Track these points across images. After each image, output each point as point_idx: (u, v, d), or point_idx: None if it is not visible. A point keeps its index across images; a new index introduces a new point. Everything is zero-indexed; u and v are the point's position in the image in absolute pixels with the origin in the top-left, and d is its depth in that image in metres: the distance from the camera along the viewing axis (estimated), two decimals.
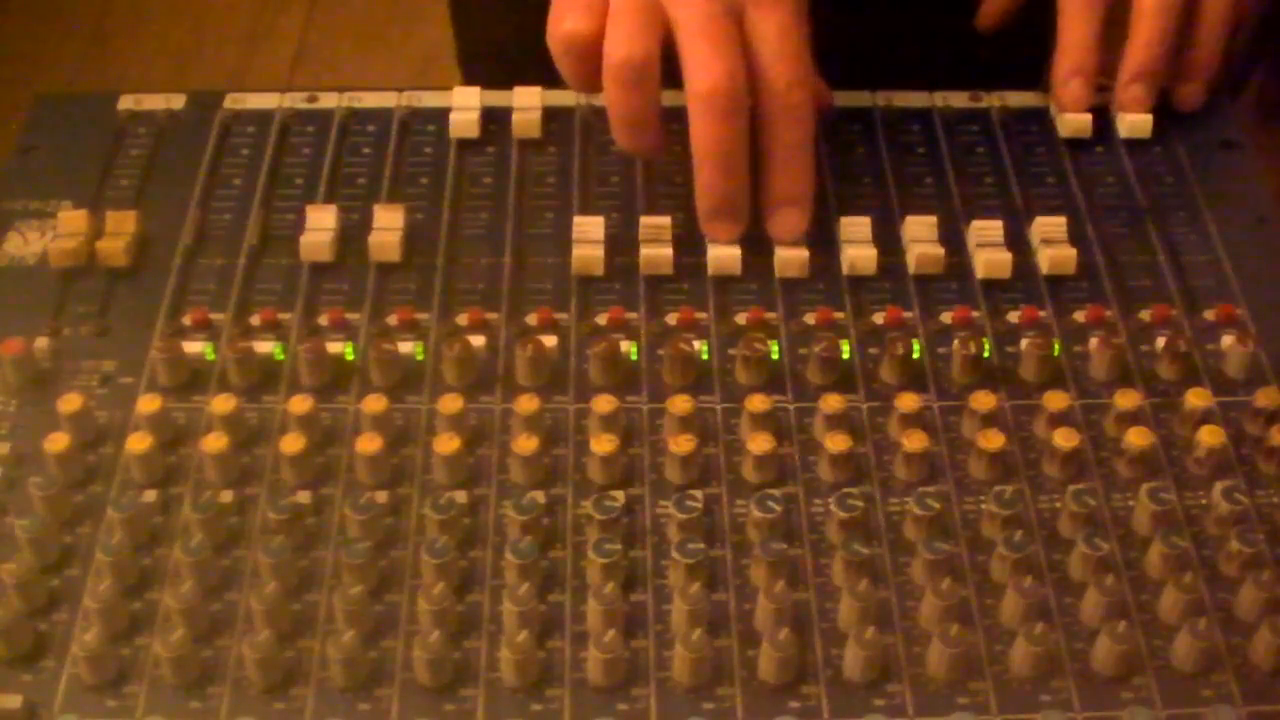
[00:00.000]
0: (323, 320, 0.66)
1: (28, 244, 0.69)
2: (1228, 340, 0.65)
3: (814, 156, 0.68)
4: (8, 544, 0.57)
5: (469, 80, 0.79)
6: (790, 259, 0.68)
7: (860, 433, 0.62)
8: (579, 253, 0.68)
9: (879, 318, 0.66)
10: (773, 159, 0.67)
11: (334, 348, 0.64)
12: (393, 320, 0.66)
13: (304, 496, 0.59)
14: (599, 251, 0.68)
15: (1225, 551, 0.57)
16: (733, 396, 0.63)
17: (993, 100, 0.78)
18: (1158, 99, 0.75)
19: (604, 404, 0.61)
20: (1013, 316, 0.67)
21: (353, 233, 0.69)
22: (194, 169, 0.73)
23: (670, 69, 0.66)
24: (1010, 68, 0.78)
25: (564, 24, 0.67)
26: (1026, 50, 0.79)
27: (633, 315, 0.66)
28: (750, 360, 0.63)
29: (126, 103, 0.76)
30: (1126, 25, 0.74)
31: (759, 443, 0.60)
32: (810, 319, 0.66)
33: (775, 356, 0.64)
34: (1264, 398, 0.62)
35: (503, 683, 0.53)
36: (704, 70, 0.64)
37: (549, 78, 0.71)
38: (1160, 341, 0.65)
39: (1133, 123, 0.75)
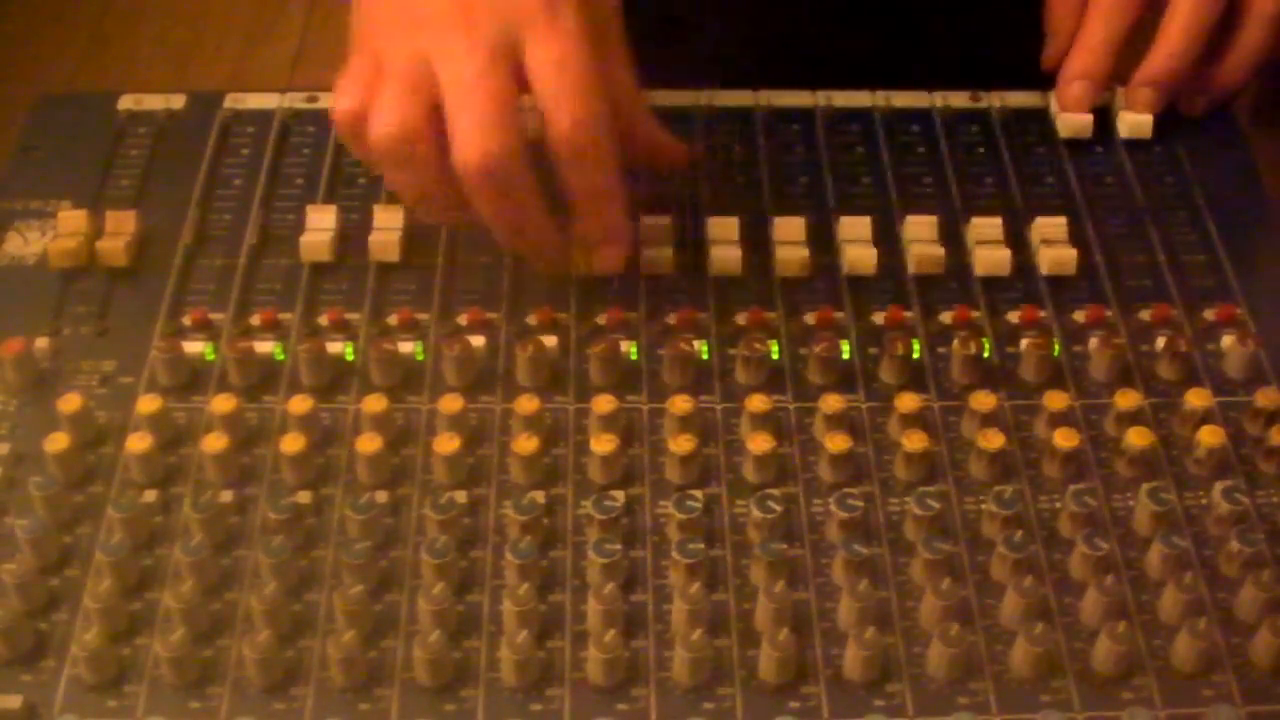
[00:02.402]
0: (323, 320, 0.66)
1: (28, 244, 0.69)
2: (1228, 340, 0.65)
3: (621, 195, 0.63)
4: (8, 544, 0.57)
5: None
6: (790, 259, 0.68)
7: (860, 433, 0.62)
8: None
9: (879, 318, 0.66)
10: (575, 205, 0.62)
11: (334, 348, 0.64)
12: (393, 320, 0.66)
13: (304, 496, 0.59)
14: None
15: (1225, 551, 0.57)
16: (733, 396, 0.63)
17: (993, 100, 0.78)
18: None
19: (604, 404, 0.61)
20: (1013, 316, 0.67)
21: (353, 233, 0.69)
22: (194, 169, 0.73)
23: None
24: (1011, 68, 0.78)
25: (338, 102, 0.61)
26: (1027, 50, 0.79)
27: (633, 315, 0.66)
28: (750, 360, 0.63)
29: (126, 103, 0.76)
30: (1149, 31, 0.74)
31: (759, 443, 0.60)
32: (810, 319, 0.66)
33: (775, 356, 0.64)
34: (1264, 398, 0.62)
35: (503, 683, 0.53)
36: (464, 146, 0.59)
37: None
38: (1160, 341, 0.65)
39: (1133, 123, 0.75)
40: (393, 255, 0.68)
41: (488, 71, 0.59)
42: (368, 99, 0.60)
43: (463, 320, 0.66)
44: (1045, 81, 0.77)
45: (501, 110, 0.59)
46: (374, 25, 0.63)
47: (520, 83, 0.60)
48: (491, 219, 0.62)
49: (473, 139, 0.59)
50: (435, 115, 0.59)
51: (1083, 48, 0.75)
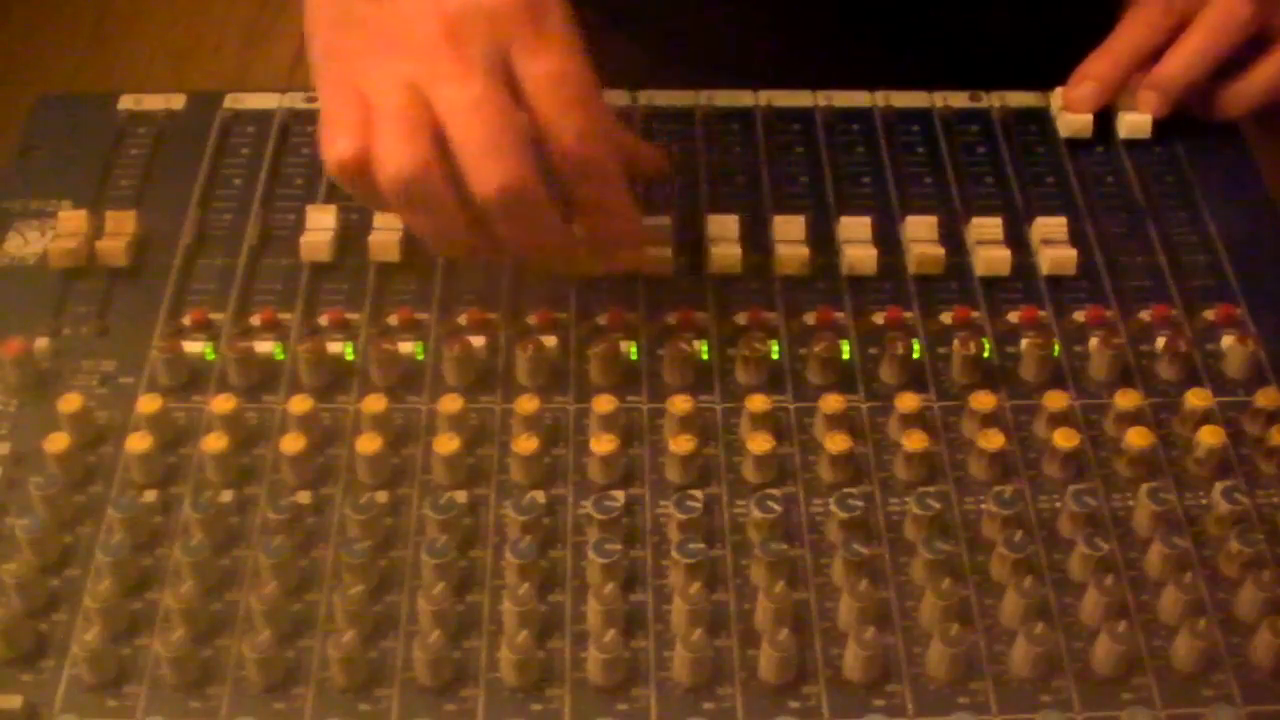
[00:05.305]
0: (323, 320, 0.66)
1: (28, 244, 0.69)
2: (1228, 340, 0.65)
3: (628, 200, 0.62)
4: (8, 544, 0.57)
5: None
6: (790, 257, 0.68)
7: (860, 433, 0.62)
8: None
9: (879, 318, 0.66)
10: (583, 214, 0.61)
11: (334, 348, 0.64)
12: (393, 320, 0.66)
13: (304, 496, 0.59)
14: None
15: (1225, 551, 0.57)
16: (733, 396, 0.63)
17: (993, 100, 0.78)
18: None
19: (604, 404, 0.61)
20: (1013, 316, 0.67)
21: (353, 233, 0.69)
22: (194, 169, 0.73)
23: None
24: (1010, 68, 0.78)
25: (333, 148, 0.57)
26: (1026, 50, 0.79)
27: (633, 315, 0.66)
28: (750, 360, 0.63)
29: (126, 103, 0.76)
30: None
31: (759, 443, 0.60)
32: (810, 319, 0.66)
33: (775, 356, 0.64)
34: (1264, 398, 0.62)
35: (503, 683, 0.53)
36: (480, 178, 0.57)
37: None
38: (1160, 341, 0.65)
39: (1133, 123, 0.75)
40: (393, 255, 0.68)
41: (486, 94, 0.56)
42: (366, 141, 0.57)
43: (463, 320, 0.66)
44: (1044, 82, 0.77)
45: (509, 133, 0.56)
46: (344, 57, 0.59)
47: (516, 95, 0.58)
48: (515, 241, 0.60)
49: (487, 169, 0.56)
50: (443, 147, 0.57)
51: (1106, 51, 0.75)
